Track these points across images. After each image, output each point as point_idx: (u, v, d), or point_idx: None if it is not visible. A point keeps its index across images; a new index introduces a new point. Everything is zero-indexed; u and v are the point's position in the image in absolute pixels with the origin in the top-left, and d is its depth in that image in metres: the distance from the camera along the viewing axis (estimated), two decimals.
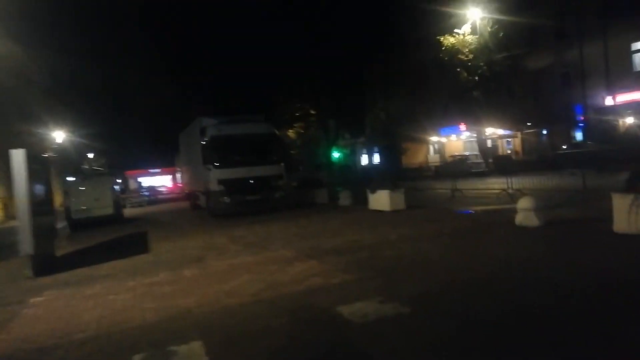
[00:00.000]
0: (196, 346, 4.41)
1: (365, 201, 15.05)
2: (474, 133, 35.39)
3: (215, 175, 16.36)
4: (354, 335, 4.37)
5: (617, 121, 27.78)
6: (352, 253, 8.07)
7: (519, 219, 8.87)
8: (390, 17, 38.59)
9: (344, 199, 17.26)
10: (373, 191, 14.30)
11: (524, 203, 8.80)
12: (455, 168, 25.36)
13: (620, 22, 26.43)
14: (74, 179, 23.15)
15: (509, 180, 14.06)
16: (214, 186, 16.43)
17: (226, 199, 16.25)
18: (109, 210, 19.31)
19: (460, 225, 10.06)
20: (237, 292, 6.21)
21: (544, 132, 34.52)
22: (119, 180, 37.24)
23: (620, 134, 26.97)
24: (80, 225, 18.39)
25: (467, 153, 36.59)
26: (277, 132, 19.43)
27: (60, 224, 18.87)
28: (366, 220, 12.56)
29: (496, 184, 15.81)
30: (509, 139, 37.54)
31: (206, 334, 4.71)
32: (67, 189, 20.47)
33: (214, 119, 17.99)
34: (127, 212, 25.36)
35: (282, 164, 17.69)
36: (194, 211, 21.90)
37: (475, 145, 36.79)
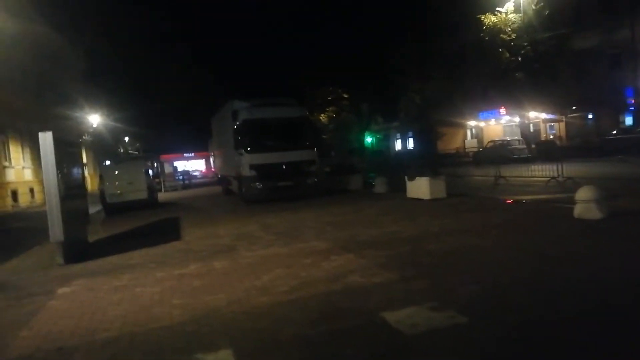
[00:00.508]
0: (225, 355, 3.96)
1: (401, 188, 14.38)
2: (515, 117, 33.88)
3: (247, 160, 16.01)
4: (404, 349, 3.81)
5: None
6: (393, 246, 7.48)
7: (578, 210, 8.05)
8: None
9: (379, 185, 16.61)
10: (411, 178, 13.61)
11: (583, 193, 7.96)
12: (495, 154, 24.17)
13: None
14: (109, 162, 23.24)
15: (559, 167, 13.11)
16: (246, 171, 16.09)
17: (258, 185, 15.89)
18: (143, 195, 19.19)
19: (510, 217, 9.28)
20: (269, 289, 5.75)
21: (590, 116, 32.74)
22: (155, 164, 37.66)
23: None
24: (114, 209, 18.42)
25: (507, 138, 35.12)
26: (309, 116, 18.89)
27: (97, 208, 19.00)
28: (404, 209, 11.92)
29: (542, 171, 14.86)
30: (552, 123, 35.81)
31: (236, 340, 4.25)
32: (102, 172, 20.55)
33: (245, 102, 17.56)
34: (162, 196, 25.41)
35: (315, 149, 17.16)
36: (226, 196, 21.73)
37: (516, 130, 35.29)
